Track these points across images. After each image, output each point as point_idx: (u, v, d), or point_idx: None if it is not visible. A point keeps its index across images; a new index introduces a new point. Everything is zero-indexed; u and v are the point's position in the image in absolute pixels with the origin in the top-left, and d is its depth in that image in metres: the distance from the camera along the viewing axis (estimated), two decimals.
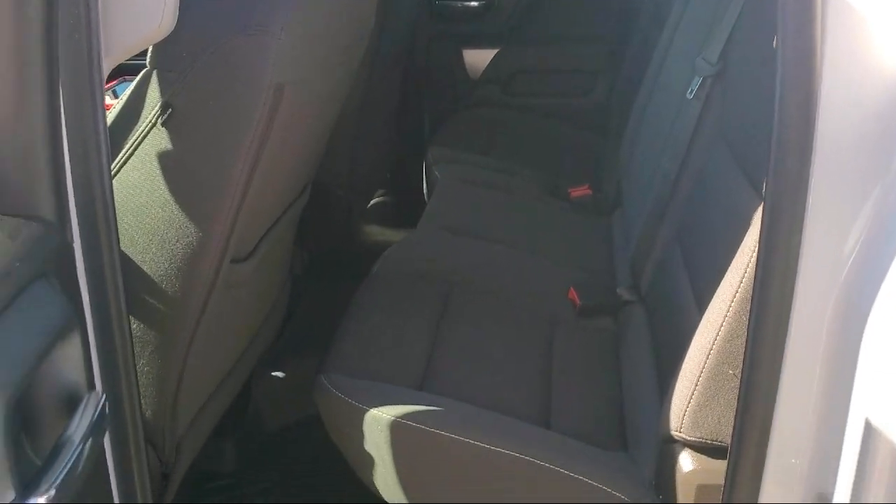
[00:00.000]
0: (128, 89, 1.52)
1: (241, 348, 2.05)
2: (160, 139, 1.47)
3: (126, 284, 1.24)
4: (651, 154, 2.43)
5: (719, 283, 1.52)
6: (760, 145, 1.24)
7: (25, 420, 0.97)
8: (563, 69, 3.84)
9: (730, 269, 1.50)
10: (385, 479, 1.77)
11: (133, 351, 1.29)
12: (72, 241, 1.14)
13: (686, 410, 1.53)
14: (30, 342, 0.99)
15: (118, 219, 1.24)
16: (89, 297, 1.19)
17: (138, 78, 1.51)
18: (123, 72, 2.07)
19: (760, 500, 1.32)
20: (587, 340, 2.17)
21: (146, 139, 1.48)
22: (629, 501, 1.63)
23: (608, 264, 2.56)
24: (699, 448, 1.54)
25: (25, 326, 0.98)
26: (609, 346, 2.17)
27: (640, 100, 2.89)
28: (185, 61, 1.44)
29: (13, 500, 0.93)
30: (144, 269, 1.52)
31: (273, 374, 2.48)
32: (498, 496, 1.75)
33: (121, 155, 1.49)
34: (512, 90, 3.79)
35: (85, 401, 1.06)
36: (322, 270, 2.77)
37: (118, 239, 1.22)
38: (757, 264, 1.26)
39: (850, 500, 1.19)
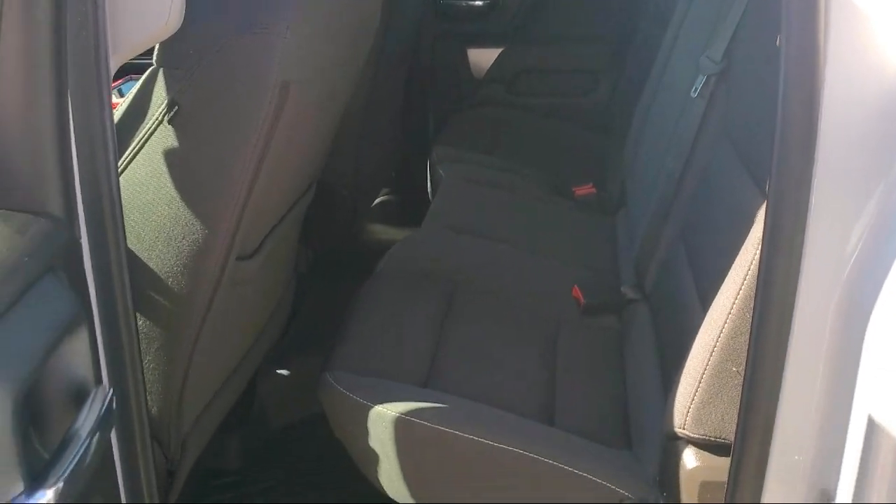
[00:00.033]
0: (134, 87, 1.53)
1: (247, 346, 2.06)
2: (166, 137, 1.48)
3: (132, 281, 1.25)
4: (655, 153, 2.44)
5: (723, 280, 1.53)
6: (764, 143, 1.25)
7: (33, 414, 0.98)
8: (568, 69, 3.85)
9: (733, 266, 1.51)
10: (389, 475, 1.78)
11: (139, 347, 1.29)
12: (79, 237, 1.15)
13: (690, 408, 1.53)
14: (38, 336, 1.00)
15: (125, 216, 1.24)
16: (96, 294, 1.19)
17: (145, 76, 1.51)
18: (129, 71, 2.08)
19: (763, 497, 1.33)
20: (591, 339, 2.18)
21: (153, 137, 1.48)
22: (633, 498, 1.63)
23: (612, 263, 2.57)
24: (703, 445, 1.54)
25: (34, 321, 0.99)
26: (613, 344, 2.18)
27: (644, 99, 2.89)
28: (191, 59, 1.45)
29: (22, 492, 0.94)
30: (150, 266, 1.53)
31: (278, 371, 2.48)
32: (502, 493, 1.75)
33: (128, 152, 1.50)
34: (516, 89, 3.80)
35: (92, 395, 1.07)
36: (326, 269, 2.78)
37: (125, 236, 1.22)
38: (760, 262, 1.26)
39: (854, 496, 1.20)
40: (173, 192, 1.50)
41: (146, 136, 1.49)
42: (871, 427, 1.16)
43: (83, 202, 1.15)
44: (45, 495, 0.94)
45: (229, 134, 1.49)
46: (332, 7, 1.66)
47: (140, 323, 1.54)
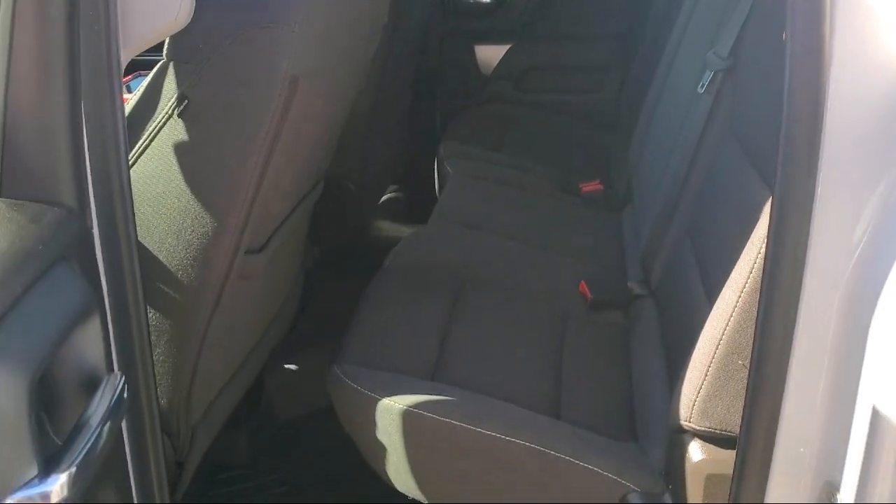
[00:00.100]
0: (144, 81, 1.54)
1: (255, 340, 2.07)
2: (177, 130, 1.49)
3: (142, 273, 1.26)
4: (662, 149, 2.44)
5: (729, 275, 1.53)
6: (770, 140, 1.26)
7: (46, 400, 0.99)
8: (575, 66, 3.85)
9: (739, 261, 1.51)
10: (397, 467, 1.79)
11: (150, 340, 1.31)
12: (92, 227, 1.16)
13: (696, 400, 1.54)
14: (52, 323, 1.01)
15: (135, 209, 1.26)
16: (107, 285, 1.21)
17: (155, 70, 1.52)
18: (138, 66, 2.09)
19: (769, 490, 1.33)
20: (598, 334, 2.19)
21: (163, 130, 1.49)
22: (639, 490, 1.64)
23: (619, 259, 2.57)
24: (708, 438, 1.55)
25: (48, 308, 1.01)
26: (619, 339, 2.18)
27: (651, 96, 2.90)
28: (201, 53, 1.46)
29: (36, 475, 0.96)
30: (160, 259, 1.54)
31: (286, 366, 2.49)
32: (508, 485, 1.76)
33: (138, 145, 1.51)
34: (524, 86, 3.80)
35: (105, 382, 1.08)
36: (334, 265, 2.78)
37: (135, 229, 1.24)
38: (766, 256, 1.27)
39: (858, 487, 1.21)
40: (183, 186, 1.51)
41: (156, 129, 1.50)
42: (876, 418, 1.17)
43: (94, 194, 1.17)
44: (58, 479, 0.95)
45: (239, 128, 1.50)
46: (340, 2, 1.66)
47: (150, 315, 1.55)
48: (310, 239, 2.42)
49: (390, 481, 1.83)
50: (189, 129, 1.48)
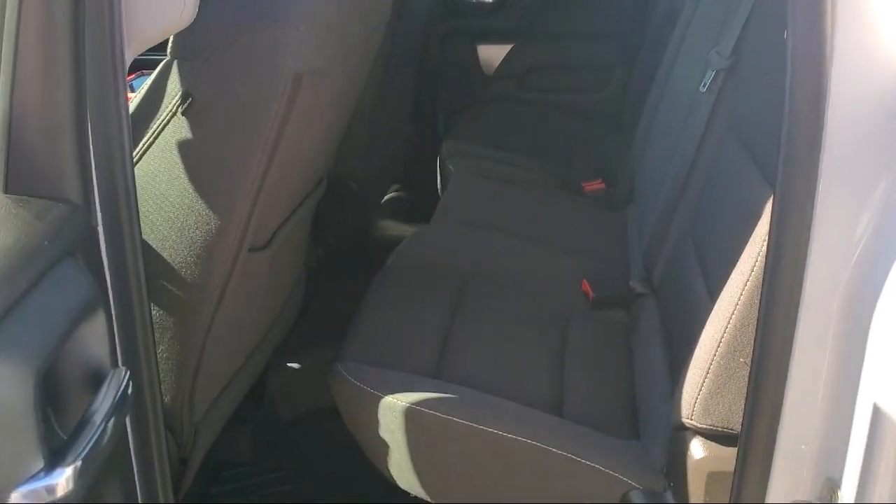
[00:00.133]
0: (149, 79, 1.55)
1: (258, 338, 2.07)
2: (180, 128, 1.49)
3: (146, 270, 1.26)
4: (664, 148, 2.45)
5: (731, 273, 1.54)
6: (772, 138, 1.26)
7: (52, 394, 1.00)
8: (577, 65, 3.86)
9: (741, 259, 1.52)
10: (399, 465, 1.79)
11: (154, 337, 1.31)
12: (96, 224, 1.17)
13: (697, 398, 1.54)
14: (58, 318, 1.02)
15: (139, 206, 1.26)
16: (111, 282, 1.21)
17: (159, 68, 1.53)
18: (141, 66, 2.10)
19: (770, 487, 1.34)
20: (600, 332, 2.19)
21: (167, 128, 1.50)
22: (640, 488, 1.64)
23: (621, 257, 2.58)
24: (710, 436, 1.56)
25: (54, 302, 1.01)
26: (622, 337, 2.19)
27: (653, 95, 2.90)
28: (205, 51, 1.46)
29: (42, 469, 0.96)
30: (164, 256, 1.55)
31: (288, 365, 2.50)
32: (511, 482, 1.77)
33: (142, 143, 1.51)
34: (526, 86, 3.81)
35: (110, 377, 1.09)
36: (337, 265, 2.79)
37: (139, 226, 1.24)
38: (767, 254, 1.27)
39: (859, 483, 1.21)
40: (186, 183, 1.51)
41: (160, 127, 1.51)
42: (877, 415, 1.17)
43: (99, 191, 1.17)
44: (63, 473, 0.96)
45: (243, 125, 1.50)
46: (344, 1, 1.67)
47: (153, 312, 1.56)
48: (313, 238, 2.43)
49: (393, 479, 1.84)
50: (193, 127, 1.49)
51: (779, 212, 1.24)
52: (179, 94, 1.49)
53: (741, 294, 1.49)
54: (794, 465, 1.32)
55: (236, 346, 1.92)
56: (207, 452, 1.89)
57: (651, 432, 1.77)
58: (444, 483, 1.82)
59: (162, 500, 1.38)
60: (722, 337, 1.51)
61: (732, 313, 1.50)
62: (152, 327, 1.30)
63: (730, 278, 1.54)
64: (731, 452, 1.43)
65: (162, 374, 1.60)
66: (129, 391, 1.10)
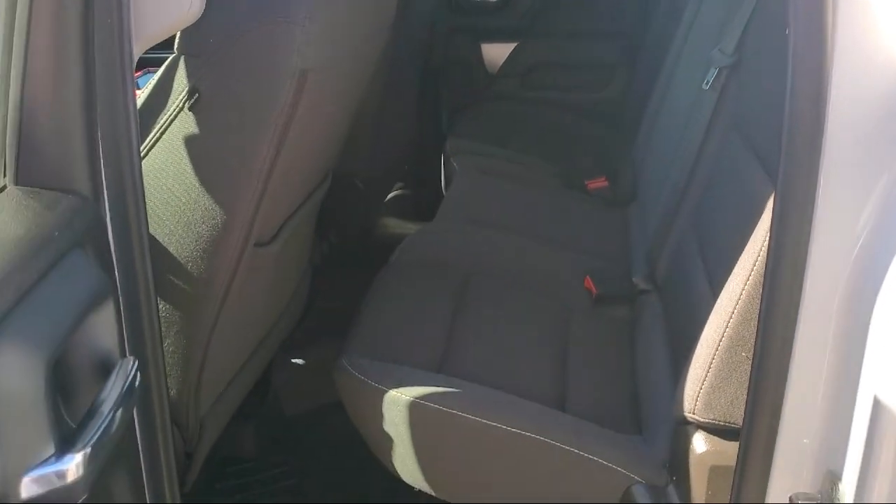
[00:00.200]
0: (156, 75, 1.56)
1: (263, 334, 2.08)
2: (187, 124, 1.50)
3: (153, 265, 1.27)
4: (667, 146, 2.46)
5: (733, 269, 1.55)
6: (774, 136, 1.27)
7: (62, 382, 1.01)
8: (580, 63, 3.86)
9: (743, 255, 1.53)
10: (403, 459, 1.80)
11: (160, 331, 1.32)
12: (105, 216, 1.18)
13: (699, 392, 1.55)
14: (67, 307, 1.03)
15: (146, 200, 1.27)
16: (118, 275, 1.22)
17: (166, 63, 1.54)
18: (147, 64, 2.11)
19: (772, 480, 1.35)
20: (603, 328, 2.20)
21: (174, 123, 1.51)
22: (643, 482, 1.65)
23: (624, 254, 2.58)
24: (712, 430, 1.57)
25: (64, 292, 1.03)
26: (625, 333, 2.20)
27: (657, 93, 2.91)
28: (211, 47, 1.47)
29: (52, 455, 0.98)
30: (170, 251, 1.56)
31: (293, 361, 2.51)
32: (514, 477, 1.78)
33: (149, 138, 1.52)
34: (530, 84, 3.81)
35: (118, 366, 1.10)
36: (341, 262, 2.79)
37: (147, 219, 1.25)
38: (769, 250, 1.28)
39: (860, 476, 1.22)
40: (193, 178, 1.52)
41: (167, 122, 1.52)
42: (877, 408, 1.18)
43: (107, 184, 1.18)
44: (73, 459, 0.97)
45: (248, 121, 1.51)
46: None
47: (160, 307, 1.57)
48: (318, 235, 2.44)
49: (397, 473, 1.85)
50: (199, 123, 1.50)
51: (779, 211, 1.25)
52: (186, 89, 1.50)
53: (743, 290, 1.50)
54: (795, 460, 1.33)
55: (241, 341, 1.93)
56: (212, 448, 1.90)
57: (653, 427, 1.78)
58: (447, 477, 1.83)
59: (168, 494, 1.39)
60: (724, 332, 1.52)
61: (734, 309, 1.51)
62: (159, 320, 1.31)
63: (732, 274, 1.55)
64: (733, 446, 1.44)
65: (168, 368, 1.61)
66: (137, 380, 1.11)
